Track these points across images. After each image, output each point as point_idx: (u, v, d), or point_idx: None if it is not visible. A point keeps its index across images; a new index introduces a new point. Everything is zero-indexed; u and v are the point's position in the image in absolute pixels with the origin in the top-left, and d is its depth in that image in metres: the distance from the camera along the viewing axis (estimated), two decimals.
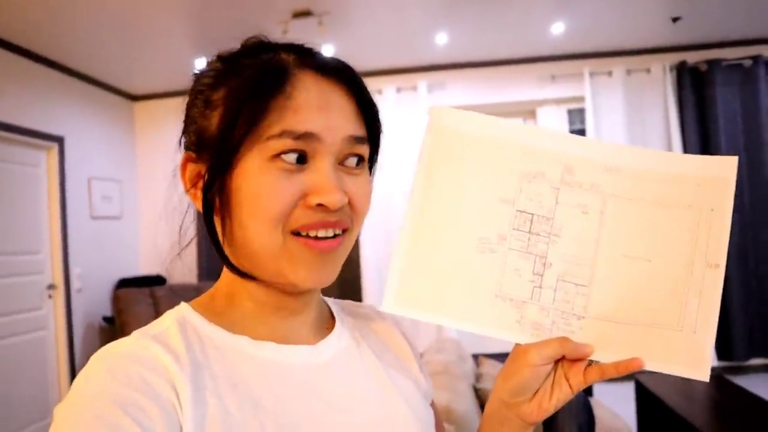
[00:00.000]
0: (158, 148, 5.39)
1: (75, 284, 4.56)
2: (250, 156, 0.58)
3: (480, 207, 0.66)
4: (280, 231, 0.58)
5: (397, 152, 4.98)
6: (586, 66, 4.95)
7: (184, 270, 5.01)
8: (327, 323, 0.73)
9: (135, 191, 5.50)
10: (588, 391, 3.18)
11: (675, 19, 4.36)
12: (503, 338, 0.65)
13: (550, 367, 0.63)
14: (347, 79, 0.62)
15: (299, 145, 0.57)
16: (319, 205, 0.58)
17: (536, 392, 0.65)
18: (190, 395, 0.52)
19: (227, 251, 0.63)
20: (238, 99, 0.58)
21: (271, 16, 3.76)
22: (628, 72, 4.94)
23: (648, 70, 4.95)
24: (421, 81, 5.07)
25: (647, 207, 0.65)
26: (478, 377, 2.79)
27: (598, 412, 2.57)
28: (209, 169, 0.59)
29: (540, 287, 0.65)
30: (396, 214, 4.98)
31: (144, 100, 5.53)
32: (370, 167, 0.70)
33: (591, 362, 0.64)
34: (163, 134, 5.37)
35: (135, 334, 0.58)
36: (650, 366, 0.61)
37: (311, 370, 0.63)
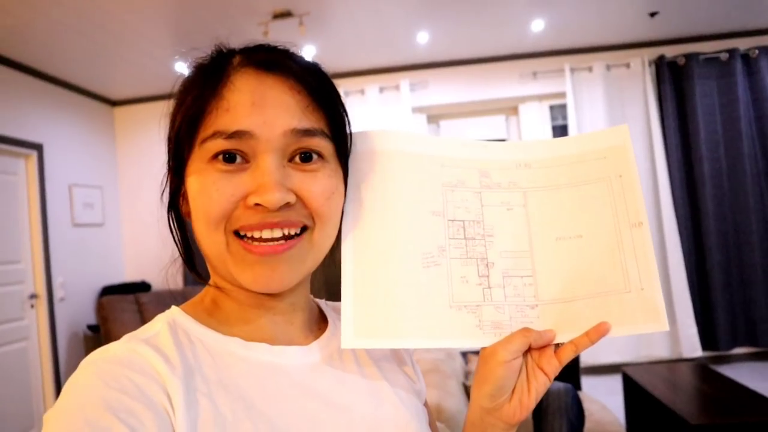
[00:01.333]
0: (139, 153, 5.34)
1: (58, 293, 4.50)
2: (193, 159, 0.59)
3: (415, 223, 0.67)
4: (221, 232, 0.58)
5: None
6: (566, 62, 4.99)
7: (170, 276, 4.97)
8: (319, 324, 0.73)
9: (117, 197, 5.45)
10: (577, 385, 3.20)
11: (653, 14, 4.40)
12: (468, 346, 0.65)
13: (520, 361, 0.64)
14: (292, 72, 0.60)
15: (233, 144, 0.57)
16: (257, 204, 0.56)
17: (513, 391, 0.64)
18: (183, 398, 0.52)
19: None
20: (180, 104, 0.60)
21: (252, 18, 3.74)
22: (608, 67, 4.98)
23: (627, 65, 4.99)
24: (404, 80, 5.08)
25: (564, 190, 0.70)
26: (467, 374, 2.80)
27: (587, 405, 2.59)
28: (168, 174, 0.62)
29: (489, 287, 0.67)
30: None
31: (124, 105, 5.48)
32: (343, 161, 0.66)
33: (558, 345, 0.65)
34: (143, 139, 5.32)
35: (125, 338, 0.57)
36: (615, 331, 0.63)
37: (304, 371, 0.63)
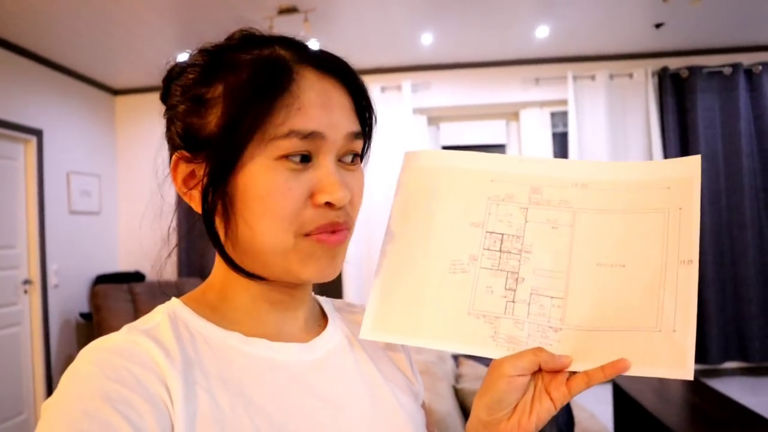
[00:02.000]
0: (139, 143, 5.33)
1: (52, 280, 4.49)
2: (256, 156, 0.57)
3: (452, 232, 0.69)
4: (291, 234, 0.58)
5: (380, 151, 4.99)
6: (569, 69, 4.99)
7: (164, 266, 4.96)
8: (319, 321, 0.72)
9: (114, 186, 5.44)
10: None
11: (658, 26, 4.41)
12: (478, 354, 0.65)
13: (527, 380, 0.62)
14: (344, 74, 0.62)
15: (306, 145, 0.57)
16: (327, 203, 0.58)
17: (515, 409, 0.62)
18: (181, 391, 0.52)
19: (229, 251, 0.62)
20: (241, 97, 0.56)
21: (257, 12, 3.74)
22: (611, 76, 4.99)
23: (630, 75, 5.00)
24: (406, 81, 5.08)
25: (617, 215, 0.66)
26: (458, 377, 2.80)
27: (576, 413, 2.59)
28: (211, 169, 0.58)
29: (513, 302, 0.65)
30: (378, 212, 4.98)
31: (125, 94, 5.47)
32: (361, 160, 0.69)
33: (572, 373, 0.62)
34: (144, 129, 5.31)
35: (125, 328, 0.57)
36: (634, 370, 0.60)
37: (304, 368, 0.63)
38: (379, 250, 0.71)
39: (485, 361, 3.18)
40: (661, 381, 3.27)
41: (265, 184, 0.56)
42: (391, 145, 4.98)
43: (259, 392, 0.57)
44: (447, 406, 2.05)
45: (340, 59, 0.64)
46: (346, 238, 0.63)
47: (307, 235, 0.59)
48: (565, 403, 0.62)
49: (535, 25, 4.37)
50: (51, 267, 4.49)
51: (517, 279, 0.66)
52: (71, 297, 4.76)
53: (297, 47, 0.61)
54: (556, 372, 0.62)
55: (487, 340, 0.65)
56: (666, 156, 4.88)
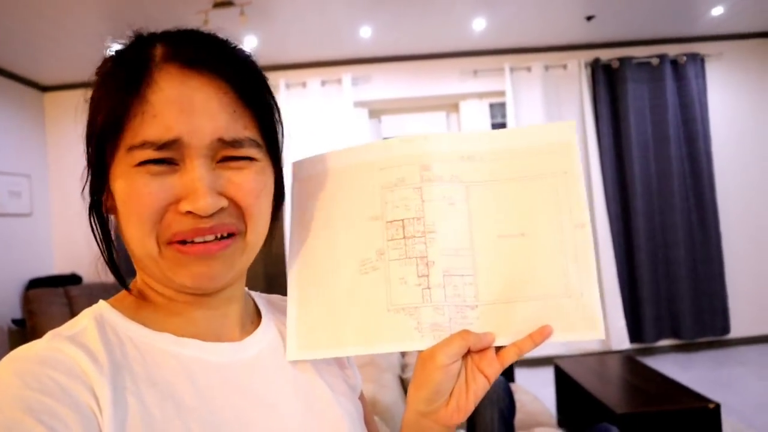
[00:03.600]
0: (71, 140, 5.11)
1: None
2: (118, 162, 0.56)
3: (353, 232, 0.68)
4: (154, 240, 0.56)
5: (321, 145, 4.96)
6: (506, 61, 5.08)
7: (101, 268, 4.81)
8: (253, 318, 0.72)
9: (46, 186, 5.22)
10: (509, 377, 3.29)
11: (589, 18, 4.55)
12: (407, 349, 0.64)
13: (459, 364, 0.62)
14: (220, 71, 0.57)
15: (163, 153, 0.54)
16: (189, 212, 0.55)
17: (451, 394, 0.63)
18: (110, 398, 0.50)
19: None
20: (101, 103, 0.57)
21: (191, 6, 3.65)
22: (546, 68, 5.11)
23: (564, 66, 5.13)
24: (346, 74, 5.05)
25: (508, 184, 0.67)
26: (403, 368, 2.83)
27: (519, 396, 2.66)
28: (89, 170, 0.59)
29: (428, 288, 0.64)
30: None
31: (55, 90, 5.24)
32: (275, 154, 0.65)
33: (499, 347, 0.64)
34: (75, 126, 5.03)
35: (48, 335, 0.55)
36: (554, 337, 0.62)
37: (236, 367, 0.62)
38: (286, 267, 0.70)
39: None
40: (600, 362, 3.40)
41: (126, 189, 0.55)
42: (334, 140, 4.96)
43: (191, 394, 0.56)
44: (392, 395, 2.07)
45: (220, 52, 0.59)
46: (226, 247, 0.58)
47: (169, 243, 0.57)
48: (498, 374, 0.63)
49: (472, 18, 4.42)
50: None
51: (427, 263, 0.64)
52: (2, 303, 4.55)
53: (175, 43, 0.58)
54: (484, 350, 0.63)
55: (412, 333, 0.64)
56: (600, 144, 5.05)
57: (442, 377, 0.61)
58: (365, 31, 4.53)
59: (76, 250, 5.09)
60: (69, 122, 5.16)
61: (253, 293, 0.77)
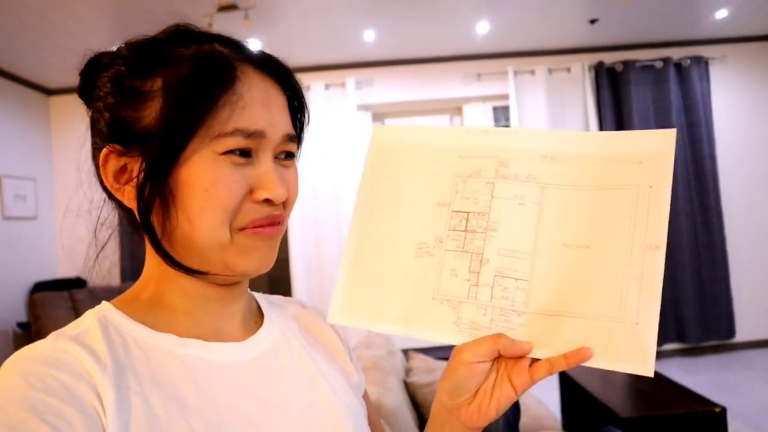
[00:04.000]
0: (76, 144, 5.09)
1: None
2: (201, 150, 0.57)
3: (418, 213, 0.67)
4: (227, 227, 0.58)
5: (325, 148, 4.97)
6: (510, 65, 5.08)
7: (105, 272, 4.83)
8: (255, 318, 0.72)
9: (51, 190, 5.23)
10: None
11: (593, 21, 4.54)
12: (441, 341, 0.64)
13: (487, 366, 0.61)
14: (281, 75, 0.64)
15: (249, 142, 0.58)
16: (266, 200, 0.59)
17: (476, 394, 0.62)
18: (113, 398, 0.51)
19: (165, 247, 0.60)
20: (185, 92, 0.56)
21: (196, 9, 3.66)
22: (550, 71, 5.10)
23: (568, 70, 5.13)
24: (350, 77, 5.06)
25: (587, 192, 0.63)
26: (408, 371, 2.83)
27: (524, 400, 2.65)
28: (151, 163, 0.57)
29: (476, 285, 0.63)
30: (322, 209, 4.97)
31: (60, 94, 5.26)
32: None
33: (535, 359, 0.61)
34: (81, 130, 5.11)
35: (52, 335, 0.55)
36: (594, 362, 0.58)
37: (240, 367, 0.62)
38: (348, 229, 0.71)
39: (435, 354, 3.22)
40: None
41: (211, 176, 0.57)
42: (336, 142, 4.98)
43: (195, 394, 0.57)
44: (396, 399, 2.06)
45: (278, 60, 0.65)
46: (280, 232, 0.64)
47: (241, 229, 0.59)
48: (526, 390, 0.61)
49: (476, 21, 4.43)
50: None
51: (481, 260, 0.63)
52: (7, 307, 4.57)
53: (235, 45, 0.63)
54: (518, 358, 0.61)
55: (450, 326, 0.63)
56: None
57: (465, 374, 0.61)
58: (369, 35, 4.54)
59: (80, 254, 5.09)
60: (74, 125, 5.18)
61: (255, 293, 0.77)
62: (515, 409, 1.98)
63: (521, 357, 0.61)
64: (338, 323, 0.68)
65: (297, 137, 0.67)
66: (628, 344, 0.57)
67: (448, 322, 0.64)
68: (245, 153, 0.59)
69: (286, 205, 0.64)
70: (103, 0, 3.57)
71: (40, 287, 4.77)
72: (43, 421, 0.45)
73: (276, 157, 0.63)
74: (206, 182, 0.57)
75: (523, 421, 2.36)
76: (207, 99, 0.56)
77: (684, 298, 4.99)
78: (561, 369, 0.59)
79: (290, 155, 0.65)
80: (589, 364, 0.58)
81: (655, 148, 0.62)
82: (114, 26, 3.99)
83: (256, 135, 0.59)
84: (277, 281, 5.07)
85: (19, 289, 4.73)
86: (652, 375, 0.56)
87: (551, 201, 0.64)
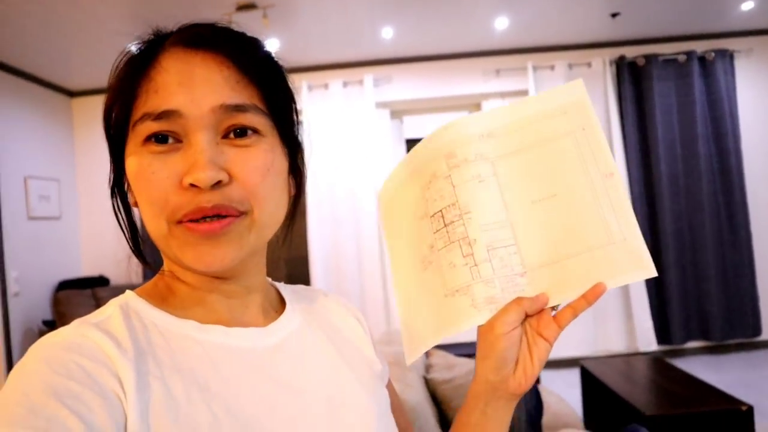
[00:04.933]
0: (98, 145, 5.21)
1: (12, 288, 4.37)
2: (129, 144, 0.59)
3: (412, 235, 0.74)
4: (164, 220, 0.57)
5: (343, 146, 4.98)
6: (529, 60, 5.04)
7: (130, 269, 4.88)
8: (277, 307, 0.72)
9: (74, 190, 5.32)
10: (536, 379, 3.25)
11: (614, 15, 4.49)
12: (468, 327, 0.67)
13: (520, 331, 0.65)
14: (221, 47, 0.59)
15: (162, 125, 0.56)
16: (192, 185, 0.55)
17: (517, 362, 0.66)
18: (134, 382, 0.51)
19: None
20: (113, 90, 0.60)
21: (215, 9, 3.69)
22: (570, 66, 5.06)
23: (589, 65, 5.07)
24: (368, 75, 5.06)
25: (531, 151, 0.68)
26: (427, 368, 2.82)
27: (544, 397, 2.63)
28: (111, 160, 0.63)
29: (476, 265, 0.67)
30: (340, 208, 4.98)
31: (82, 95, 5.34)
32: (288, 136, 0.65)
33: (555, 309, 0.67)
34: (103, 131, 5.19)
35: (75, 322, 0.56)
36: (609, 284, 0.64)
37: (261, 353, 0.62)
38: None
39: (455, 351, 3.21)
40: (627, 363, 3.34)
41: (133, 170, 0.58)
42: (355, 140, 4.98)
43: (216, 379, 0.56)
44: (417, 395, 2.06)
45: (221, 32, 0.60)
46: (230, 224, 0.57)
47: (179, 222, 0.57)
48: (557, 336, 0.65)
49: (495, 17, 4.40)
50: (11, 274, 4.37)
51: (469, 242, 0.67)
52: (33, 305, 4.64)
53: (182, 29, 0.61)
54: (541, 313, 0.66)
55: (470, 311, 0.66)
56: (626, 143, 4.99)
57: (505, 344, 0.64)
58: (387, 32, 4.53)
59: (103, 253, 5.18)
60: (96, 127, 5.23)
61: (277, 283, 0.77)
62: (538, 406, 1.97)
63: (543, 310, 0.66)
64: (414, 360, 0.72)
65: (261, 107, 0.60)
66: (626, 258, 0.64)
67: (466, 307, 0.67)
68: (162, 139, 0.56)
69: (248, 194, 0.58)
70: (125, 3, 3.61)
71: (65, 285, 4.85)
72: (63, 405, 0.46)
73: (226, 137, 0.58)
74: (131, 176, 0.59)
75: (545, 418, 2.34)
76: (126, 92, 0.58)
77: (708, 295, 4.92)
78: (584, 309, 0.65)
79: (244, 132, 0.59)
80: (605, 287, 0.64)
81: (571, 98, 0.68)
82: (135, 30, 4.01)
83: (166, 115, 0.55)
84: (297, 280, 5.09)
85: (44, 288, 4.80)
86: (656, 274, 0.62)
87: (504, 170, 0.69)
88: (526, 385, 0.66)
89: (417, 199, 0.72)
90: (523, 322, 0.66)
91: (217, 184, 0.56)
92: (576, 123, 0.67)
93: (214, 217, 0.57)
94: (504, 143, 0.69)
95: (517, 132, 0.69)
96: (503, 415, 0.69)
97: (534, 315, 0.66)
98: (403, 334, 0.74)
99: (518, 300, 0.65)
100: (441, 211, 0.69)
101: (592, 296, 0.64)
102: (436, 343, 0.69)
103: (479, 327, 0.67)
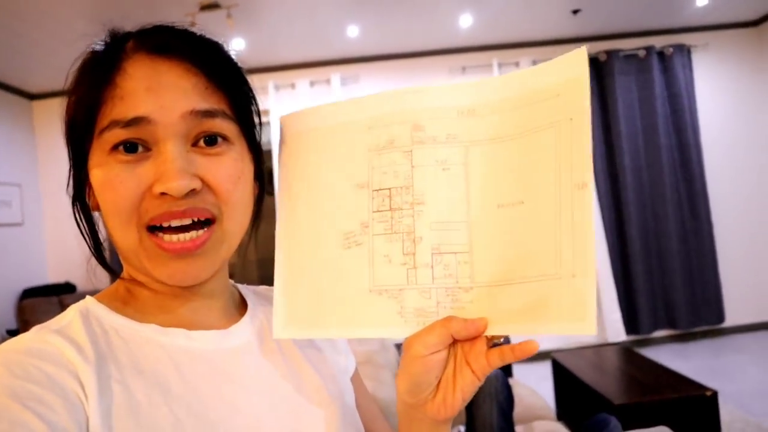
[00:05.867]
0: (62, 148, 5.02)
1: None
2: (94, 152, 0.57)
3: (338, 201, 0.61)
4: (133, 227, 0.57)
5: None
6: (494, 57, 5.09)
7: (94, 275, 4.78)
8: (239, 309, 0.72)
9: (37, 195, 5.19)
10: (508, 371, 3.29)
11: (575, 12, 4.56)
12: (388, 336, 0.57)
13: (443, 355, 0.55)
14: (187, 54, 0.58)
15: (131, 133, 0.55)
16: (163, 193, 0.54)
17: (438, 387, 0.56)
18: (95, 386, 0.51)
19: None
20: (75, 96, 0.59)
21: (177, 9, 3.64)
22: (534, 62, 5.11)
23: None
24: (335, 74, 5.05)
25: (511, 142, 0.56)
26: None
27: (517, 390, 2.67)
28: (71, 166, 0.61)
29: (414, 268, 0.57)
30: None
31: (44, 98, 5.22)
32: (253, 142, 0.65)
33: (496, 344, 0.55)
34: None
35: (35, 328, 0.56)
36: (539, 330, 0.52)
37: (223, 355, 0.62)
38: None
39: None
40: (597, 354, 3.41)
41: (101, 178, 0.57)
42: None
43: (178, 382, 0.57)
44: (390, 393, 2.07)
45: (186, 38, 0.59)
46: (205, 242, 0.58)
47: (151, 228, 0.56)
48: (488, 374, 0.55)
49: (459, 14, 4.43)
50: None
51: (414, 240, 0.57)
52: None
53: (144, 34, 0.60)
54: (474, 339, 0.55)
55: (395, 318, 0.57)
56: (593, 137, 5.05)
57: (420, 369, 0.55)
58: (352, 31, 4.53)
59: (69, 259, 5.07)
60: (59, 130, 5.05)
61: (239, 285, 0.77)
62: (509, 399, 1.99)
63: (476, 338, 0.55)
64: (283, 337, 0.62)
65: (228, 113, 0.59)
66: (566, 301, 0.50)
67: (392, 313, 0.57)
68: (132, 147, 0.55)
69: (219, 200, 0.58)
70: (85, 3, 3.54)
71: (30, 293, 4.74)
72: (25, 407, 0.46)
73: (195, 145, 0.57)
74: (99, 185, 0.57)
75: (518, 410, 2.37)
76: (90, 99, 0.56)
77: (673, 285, 5.04)
78: (511, 361, 0.53)
79: (214, 140, 0.58)
80: (533, 335, 0.52)
81: (570, 74, 0.55)
82: (96, 30, 3.93)
83: (135, 123, 0.54)
84: (269, 281, 5.05)
85: (7, 296, 4.69)
86: (594, 332, 0.47)
87: (477, 160, 0.57)
88: (446, 414, 0.56)
89: (358, 159, 0.61)
90: (454, 345, 0.56)
91: (190, 192, 0.56)
92: (565, 111, 0.54)
93: (186, 228, 0.57)
94: (483, 126, 0.57)
95: (502, 113, 0.57)
96: None
97: (466, 340, 0.55)
98: (278, 302, 0.63)
99: (447, 320, 0.54)
100: (390, 190, 0.59)
101: (520, 352, 0.52)
102: (338, 337, 0.61)
103: (404, 342, 0.57)
